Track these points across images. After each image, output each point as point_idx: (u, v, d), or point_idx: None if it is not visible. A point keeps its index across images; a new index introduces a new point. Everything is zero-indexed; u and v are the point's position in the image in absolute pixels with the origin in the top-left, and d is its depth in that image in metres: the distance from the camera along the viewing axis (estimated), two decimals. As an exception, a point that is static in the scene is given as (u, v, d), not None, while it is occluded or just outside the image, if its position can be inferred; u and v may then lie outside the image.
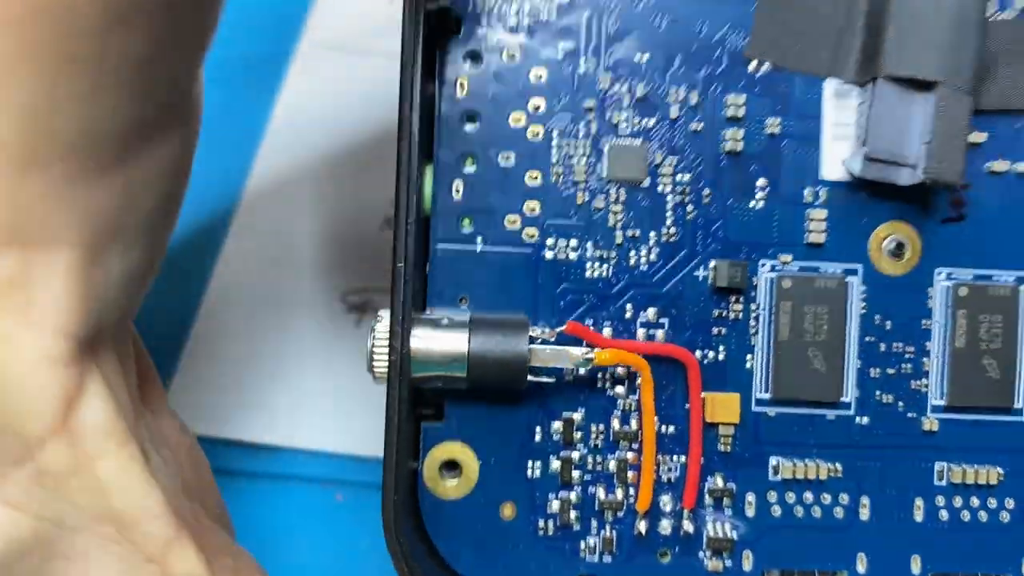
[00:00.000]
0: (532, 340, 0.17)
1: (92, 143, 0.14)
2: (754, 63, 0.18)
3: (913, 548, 0.19)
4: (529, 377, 0.17)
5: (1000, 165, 0.19)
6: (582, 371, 0.18)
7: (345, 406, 0.22)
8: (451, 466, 0.18)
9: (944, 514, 0.19)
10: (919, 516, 0.19)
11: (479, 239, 0.18)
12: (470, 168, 0.18)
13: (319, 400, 0.22)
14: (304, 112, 0.23)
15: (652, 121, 0.18)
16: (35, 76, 0.13)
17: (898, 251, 0.19)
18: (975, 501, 0.19)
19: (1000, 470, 0.19)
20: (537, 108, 0.18)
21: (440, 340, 0.17)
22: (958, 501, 0.19)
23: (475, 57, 0.18)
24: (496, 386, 0.17)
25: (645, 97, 0.18)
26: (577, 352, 0.17)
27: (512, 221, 0.18)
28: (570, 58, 0.18)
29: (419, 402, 0.18)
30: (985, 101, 0.19)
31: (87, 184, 0.14)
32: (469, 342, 0.17)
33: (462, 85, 0.18)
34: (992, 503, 0.19)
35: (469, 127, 0.18)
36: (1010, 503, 0.19)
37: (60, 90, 0.13)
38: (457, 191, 0.18)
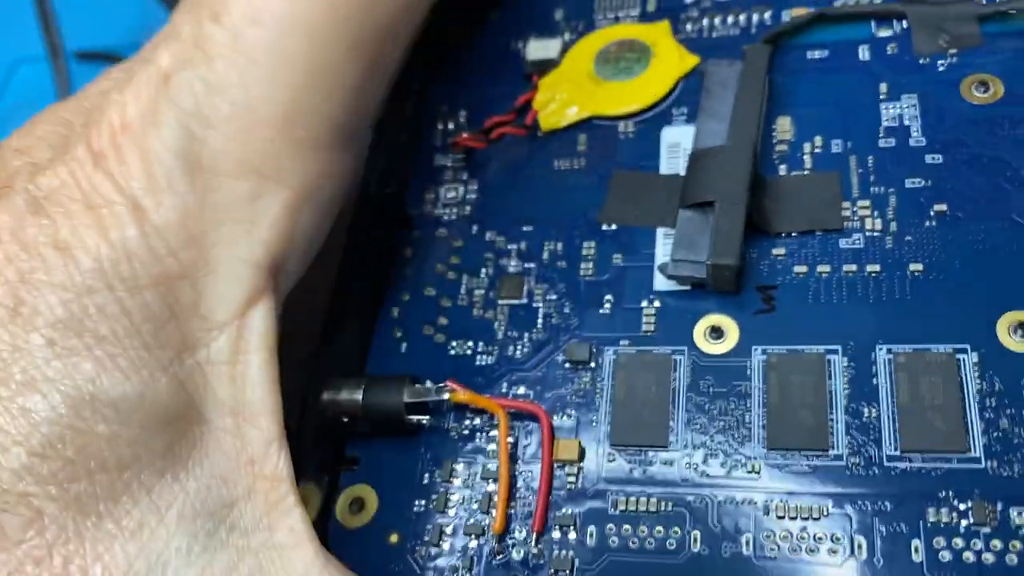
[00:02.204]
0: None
1: (334, 126, 0.21)
2: (605, 225, 0.26)
3: (743, 579, 0.20)
4: (408, 416, 0.23)
5: (800, 268, 0.24)
6: (466, 427, 0.24)
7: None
8: (358, 504, 0.23)
9: (772, 548, 0.20)
10: (748, 550, 0.20)
11: (404, 344, 0.25)
12: (406, 298, 0.26)
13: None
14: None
15: (532, 264, 0.26)
16: (352, 68, 0.21)
17: (717, 336, 0.23)
18: (804, 535, 0.20)
19: (821, 505, 0.20)
20: (454, 262, 0.27)
21: (344, 392, 0.24)
22: (784, 534, 0.20)
23: (418, 238, 0.27)
24: (386, 422, 0.23)
25: (528, 249, 0.26)
26: (434, 388, 0.23)
27: (428, 330, 0.25)
28: (479, 232, 0.27)
29: (341, 458, 0.24)
30: (781, 226, 0.24)
31: (314, 152, 0.21)
32: (364, 392, 0.23)
33: (407, 251, 0.27)
34: (820, 537, 0.20)
35: (407, 271, 0.27)
36: (838, 537, 0.20)
37: (349, 79, 0.21)
38: (395, 313, 0.26)
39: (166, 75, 0.20)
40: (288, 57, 0.20)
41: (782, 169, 0.25)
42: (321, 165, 0.21)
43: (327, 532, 0.23)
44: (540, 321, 0.25)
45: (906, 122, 0.25)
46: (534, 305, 0.25)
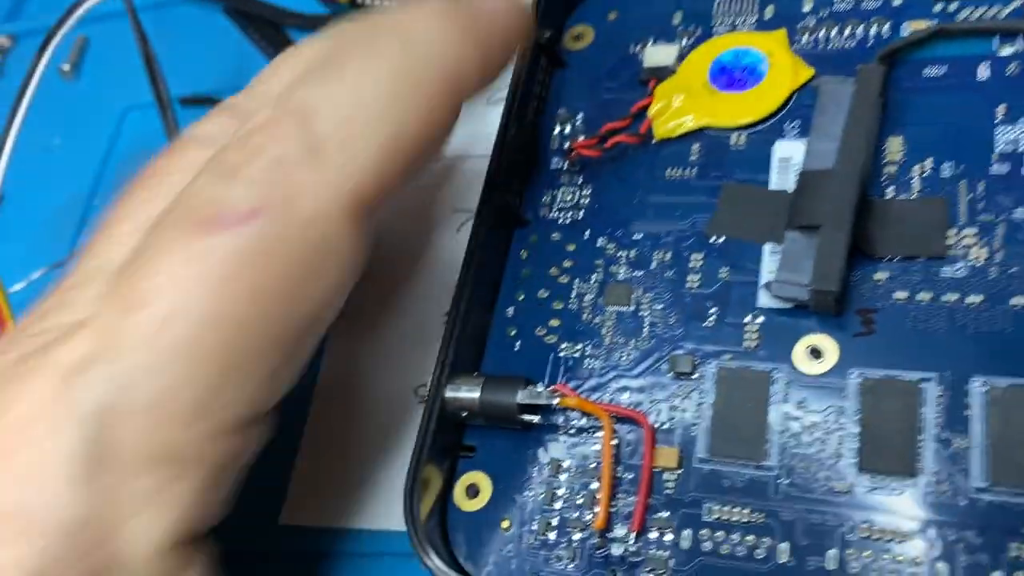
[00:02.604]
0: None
1: (247, 411, 0.21)
2: (713, 237, 0.27)
3: (826, 592, 0.22)
4: (519, 415, 0.25)
5: (901, 294, 0.24)
6: (573, 426, 0.26)
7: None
8: (474, 489, 0.26)
9: (855, 567, 0.22)
10: (832, 565, 0.22)
11: (517, 343, 0.28)
12: (520, 298, 0.28)
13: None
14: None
15: (641, 272, 0.27)
16: (269, 359, 0.21)
17: (816, 356, 0.24)
18: (885, 556, 0.22)
19: (906, 529, 0.22)
20: (567, 265, 0.28)
21: (463, 390, 0.26)
22: (869, 553, 0.22)
23: (534, 241, 0.29)
24: (500, 419, 0.25)
25: (637, 258, 0.28)
26: (545, 392, 0.25)
27: (540, 331, 0.27)
28: (591, 238, 0.28)
29: (460, 445, 0.27)
30: (885, 250, 0.25)
31: (226, 436, 0.21)
32: (481, 390, 0.26)
33: (524, 253, 0.29)
34: (901, 559, 0.22)
35: (523, 272, 0.29)
36: (919, 561, 0.21)
37: (265, 369, 0.21)
38: (510, 312, 0.28)
39: (68, 371, 0.19)
40: (206, 353, 0.20)
41: (890, 191, 0.26)
42: (233, 445, 0.21)
43: (446, 514, 0.26)
44: (646, 330, 0.26)
45: (1021, 148, 0.25)
46: (640, 313, 0.27)
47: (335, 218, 0.21)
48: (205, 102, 0.43)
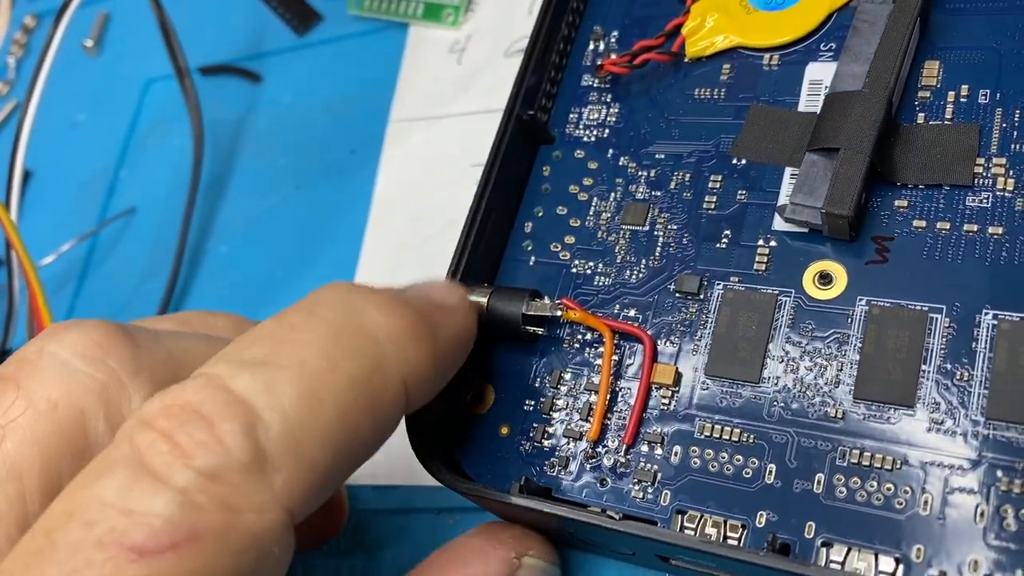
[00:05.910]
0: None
1: None
2: (735, 159, 0.27)
3: (808, 515, 0.22)
4: (523, 326, 0.26)
5: (920, 223, 0.24)
6: (577, 340, 0.26)
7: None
8: (478, 396, 0.26)
9: (841, 491, 0.22)
10: (818, 489, 0.22)
11: (532, 257, 0.28)
12: (539, 214, 0.28)
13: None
14: (401, 179, 0.34)
15: (659, 192, 0.27)
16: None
17: (825, 282, 0.24)
18: (874, 484, 0.21)
19: (897, 458, 0.21)
20: (587, 183, 0.28)
21: (474, 296, 0.26)
22: (855, 480, 0.22)
23: (557, 157, 0.29)
24: (505, 329, 0.26)
25: (657, 178, 0.27)
26: (550, 304, 0.25)
27: (555, 247, 0.28)
28: (614, 157, 0.28)
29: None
30: (907, 177, 0.24)
31: None
32: (489, 298, 0.26)
33: (546, 169, 0.29)
34: (888, 488, 0.21)
35: (544, 188, 0.29)
36: (906, 491, 0.21)
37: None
38: (528, 228, 0.28)
39: None
40: None
41: (920, 117, 0.25)
42: None
43: (453, 416, 0.26)
44: (658, 249, 0.26)
45: (1066, 75, 0.24)
46: (655, 233, 0.27)
47: (276, 532, 0.18)
48: (224, 71, 0.44)
